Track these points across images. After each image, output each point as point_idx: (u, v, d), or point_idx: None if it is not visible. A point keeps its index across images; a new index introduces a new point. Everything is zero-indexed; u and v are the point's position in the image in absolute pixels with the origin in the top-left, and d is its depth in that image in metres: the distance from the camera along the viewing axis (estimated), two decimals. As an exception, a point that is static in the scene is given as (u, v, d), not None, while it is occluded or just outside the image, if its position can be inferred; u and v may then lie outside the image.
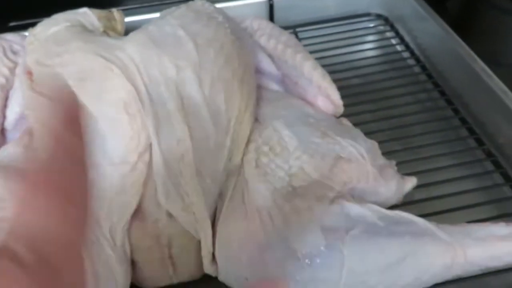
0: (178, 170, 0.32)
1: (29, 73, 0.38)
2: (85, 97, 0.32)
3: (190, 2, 0.44)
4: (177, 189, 0.31)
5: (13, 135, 0.42)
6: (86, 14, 0.42)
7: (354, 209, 0.31)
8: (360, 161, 0.36)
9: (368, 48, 0.61)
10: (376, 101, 0.50)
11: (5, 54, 0.45)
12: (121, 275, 0.31)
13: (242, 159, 0.35)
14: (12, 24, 0.55)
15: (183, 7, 0.42)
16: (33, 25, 0.53)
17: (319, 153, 0.35)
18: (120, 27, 0.44)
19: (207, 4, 0.44)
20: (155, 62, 0.33)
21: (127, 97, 0.32)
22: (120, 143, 0.31)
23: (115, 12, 0.45)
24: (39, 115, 0.36)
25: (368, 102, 0.50)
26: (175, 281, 0.34)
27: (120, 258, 0.31)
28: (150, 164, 0.31)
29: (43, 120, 0.36)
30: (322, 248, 0.29)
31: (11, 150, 0.39)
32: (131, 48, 0.33)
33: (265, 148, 0.35)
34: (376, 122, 0.48)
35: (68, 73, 0.34)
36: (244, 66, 0.39)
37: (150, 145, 0.31)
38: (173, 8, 0.44)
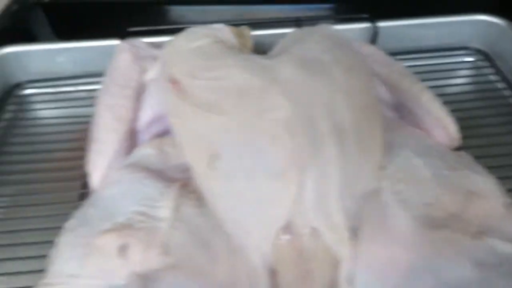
0: (326, 189, 0.33)
1: (175, 83, 0.40)
2: (244, 113, 0.34)
3: (318, 28, 0.46)
4: (324, 208, 0.33)
5: (143, 136, 0.45)
6: (223, 31, 0.44)
7: (500, 246, 0.32)
8: (490, 197, 0.36)
9: (466, 82, 0.61)
10: (482, 137, 0.51)
11: (135, 60, 0.48)
12: (264, 283, 0.33)
13: (377, 185, 0.36)
14: (131, 29, 0.58)
15: (316, 33, 0.43)
16: (148, 32, 0.57)
17: (452, 186, 0.36)
18: (249, 44, 0.47)
19: (334, 30, 0.46)
20: (310, 85, 0.35)
21: (287, 116, 0.33)
22: (278, 159, 0.33)
23: (245, 29, 0.48)
24: (185, 123, 0.38)
25: (472, 137, 0.50)
26: (309, 296, 0.35)
27: (265, 267, 0.33)
28: (302, 182, 0.33)
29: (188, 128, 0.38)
30: (474, 285, 0.29)
31: (146, 152, 0.42)
32: (287, 70, 0.35)
33: (400, 175, 0.36)
34: (484, 159, 0.48)
35: (223, 87, 0.36)
36: (374, 92, 0.41)
37: (304, 164, 0.33)
38: (305, 30, 0.45)
